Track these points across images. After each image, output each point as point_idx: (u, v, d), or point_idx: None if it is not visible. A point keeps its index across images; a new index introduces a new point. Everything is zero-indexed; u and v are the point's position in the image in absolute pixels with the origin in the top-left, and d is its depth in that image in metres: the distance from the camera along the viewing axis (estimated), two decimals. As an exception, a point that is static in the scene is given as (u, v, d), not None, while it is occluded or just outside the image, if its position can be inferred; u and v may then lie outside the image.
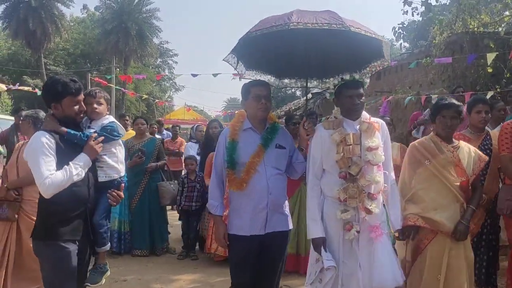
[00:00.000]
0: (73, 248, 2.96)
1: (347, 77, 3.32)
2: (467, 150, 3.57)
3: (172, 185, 6.78)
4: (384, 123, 3.45)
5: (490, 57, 7.51)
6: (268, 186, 3.27)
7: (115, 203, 3.29)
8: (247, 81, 3.65)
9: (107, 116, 3.38)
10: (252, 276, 3.34)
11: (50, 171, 2.81)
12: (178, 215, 6.95)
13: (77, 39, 40.92)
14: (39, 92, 11.77)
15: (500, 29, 10.27)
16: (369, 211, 3.17)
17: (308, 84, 4.26)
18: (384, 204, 3.36)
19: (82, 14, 45.65)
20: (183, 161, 7.68)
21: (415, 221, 3.41)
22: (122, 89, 11.28)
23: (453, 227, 3.36)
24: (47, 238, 2.94)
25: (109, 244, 3.33)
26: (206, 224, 6.45)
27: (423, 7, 10.40)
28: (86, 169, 2.99)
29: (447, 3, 11.96)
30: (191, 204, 6.57)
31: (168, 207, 9.09)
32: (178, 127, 11.19)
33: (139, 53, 39.66)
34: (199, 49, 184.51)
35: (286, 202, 3.52)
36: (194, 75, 9.57)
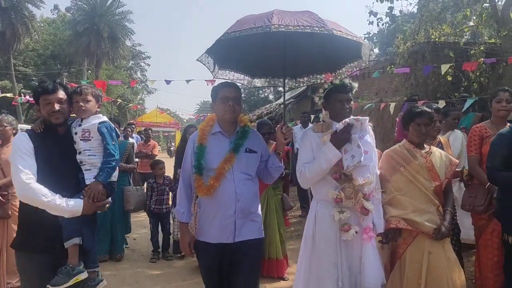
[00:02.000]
0: (44, 260, 2.80)
1: (336, 81, 3.31)
2: (439, 155, 3.63)
3: (138, 191, 6.76)
4: (370, 125, 3.47)
5: (445, 67, 7.97)
6: (236, 193, 3.14)
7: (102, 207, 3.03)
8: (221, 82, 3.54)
9: (99, 114, 3.17)
10: (222, 284, 3.24)
11: (27, 171, 2.71)
12: (149, 218, 6.90)
13: (47, 40, 40.39)
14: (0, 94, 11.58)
15: (460, 39, 10.83)
16: (367, 212, 3.19)
17: (281, 84, 4.09)
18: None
19: (53, 14, 45.18)
20: (150, 164, 7.65)
21: (397, 224, 3.40)
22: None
23: (433, 228, 3.36)
24: (17, 249, 2.87)
25: (78, 238, 2.88)
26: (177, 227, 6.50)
27: (388, 18, 10.86)
28: (67, 215, 2.80)
29: (414, 11, 12.43)
30: (161, 207, 6.69)
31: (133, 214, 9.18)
32: (150, 130, 11.25)
33: (111, 55, 39.48)
34: (172, 51, 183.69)
35: (259, 208, 3.38)
36: (167, 82, 9.64)
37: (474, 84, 9.66)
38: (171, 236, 6.78)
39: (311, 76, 4.04)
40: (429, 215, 3.43)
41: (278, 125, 3.41)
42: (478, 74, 9.54)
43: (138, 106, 26.17)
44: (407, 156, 3.55)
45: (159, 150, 11.40)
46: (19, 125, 7.28)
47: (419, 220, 3.38)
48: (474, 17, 10.71)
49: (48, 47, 39.80)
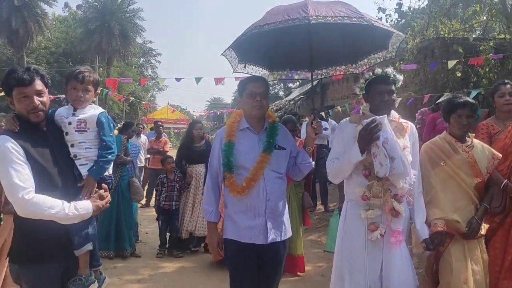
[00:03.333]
0: (55, 269, 2.55)
1: (379, 71, 3.15)
2: (481, 149, 3.45)
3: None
4: (413, 125, 3.30)
5: (451, 63, 8.00)
6: (267, 192, 3.03)
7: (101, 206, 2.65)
8: (240, 77, 3.48)
9: (94, 105, 2.88)
10: (253, 284, 3.11)
11: (24, 185, 2.32)
12: (157, 214, 6.87)
13: (59, 38, 40.70)
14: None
15: (470, 35, 10.83)
16: (397, 214, 3.02)
17: (298, 76, 4.01)
18: (409, 209, 3.20)
19: (64, 12, 45.48)
20: (161, 160, 7.62)
21: (443, 227, 3.19)
22: (110, 92, 11.22)
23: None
24: (23, 262, 2.51)
25: (90, 244, 2.68)
26: (181, 222, 6.64)
27: (397, 14, 10.91)
28: (78, 220, 2.48)
29: (424, 7, 12.44)
30: (171, 203, 6.63)
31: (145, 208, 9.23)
32: (161, 124, 11.14)
33: (122, 53, 39.68)
34: (183, 49, 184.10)
35: (286, 207, 3.27)
36: (178, 79, 9.73)
37: (484, 79, 9.68)
38: (181, 234, 6.70)
39: (330, 68, 3.87)
40: (467, 215, 3.29)
41: (308, 120, 3.27)
42: (487, 69, 9.55)
43: (150, 104, 26.35)
44: (448, 149, 3.38)
45: (170, 147, 11.51)
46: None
47: (461, 220, 3.23)
48: (484, 13, 10.68)
49: (60, 45, 40.10)
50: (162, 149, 10.28)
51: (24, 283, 2.54)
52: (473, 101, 3.44)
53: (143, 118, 32.67)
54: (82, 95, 2.75)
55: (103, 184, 2.75)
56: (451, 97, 3.59)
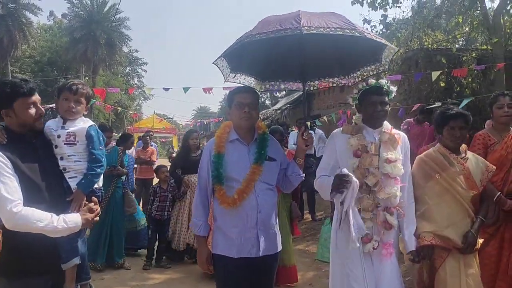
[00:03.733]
0: (43, 283, 2.53)
1: (372, 82, 3.12)
2: (475, 161, 3.39)
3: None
4: (405, 136, 3.28)
5: (435, 74, 8.16)
6: (258, 204, 2.96)
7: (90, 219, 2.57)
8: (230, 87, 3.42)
9: (84, 118, 2.91)
10: None
11: (12, 198, 2.28)
12: (148, 223, 6.79)
13: (44, 46, 40.50)
14: None
15: (453, 46, 11.06)
16: (390, 226, 3.02)
17: (290, 87, 3.96)
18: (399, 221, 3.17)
19: (49, 21, 45.30)
20: (154, 169, 7.70)
21: (431, 240, 3.15)
22: (97, 102, 11.24)
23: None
24: (11, 276, 2.48)
25: (77, 258, 2.73)
26: (173, 233, 6.55)
27: (381, 25, 11.10)
28: (66, 234, 2.43)
29: (409, 17, 12.65)
30: (163, 213, 6.54)
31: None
32: (149, 135, 11.06)
33: (107, 62, 39.61)
34: (169, 58, 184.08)
35: (277, 219, 3.21)
36: (165, 89, 9.77)
37: (467, 89, 9.89)
38: (172, 245, 6.58)
39: (322, 80, 3.81)
40: (463, 228, 3.23)
41: (299, 132, 3.19)
42: (470, 80, 9.76)
43: (138, 114, 26.22)
44: (442, 162, 3.30)
45: (157, 157, 11.46)
46: None
47: (453, 237, 3.17)
48: (466, 24, 10.92)
49: (45, 54, 39.90)
50: (149, 159, 10.24)
51: None
52: (466, 112, 3.37)
53: (129, 127, 32.52)
54: (74, 106, 2.78)
55: (93, 197, 2.71)
56: (444, 108, 3.50)
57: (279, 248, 3.17)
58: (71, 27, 38.82)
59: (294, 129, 11.06)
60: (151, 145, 11.10)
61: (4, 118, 2.51)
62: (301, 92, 12.31)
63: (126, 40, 42.14)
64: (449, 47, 11.07)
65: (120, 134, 9.54)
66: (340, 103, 15.01)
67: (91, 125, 2.85)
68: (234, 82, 3.57)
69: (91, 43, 36.98)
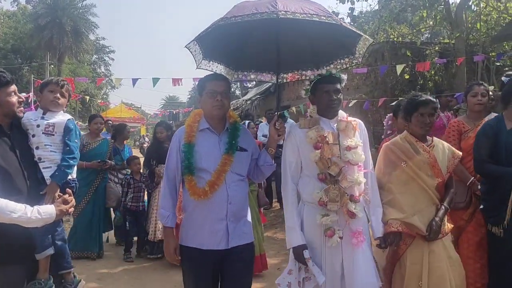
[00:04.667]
0: (18, 272, 2.58)
1: (323, 72, 3.12)
2: (441, 148, 3.39)
3: (117, 188, 6.78)
4: (361, 122, 3.25)
5: (400, 67, 8.43)
6: (228, 195, 2.91)
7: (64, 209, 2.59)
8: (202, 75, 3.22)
9: (63, 112, 3.02)
10: None
11: None
12: (124, 215, 6.69)
13: (8, 33, 39.33)
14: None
15: (417, 39, 11.40)
16: (353, 215, 2.97)
17: (263, 78, 3.82)
18: (365, 208, 3.16)
19: (12, 7, 43.96)
20: (126, 160, 7.46)
21: (397, 227, 3.13)
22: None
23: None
24: None
25: (51, 248, 2.75)
26: (150, 222, 6.48)
27: (349, 18, 11.31)
28: (41, 224, 2.44)
29: (376, 10, 12.91)
30: (138, 204, 6.53)
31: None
32: (111, 123, 10.78)
33: (74, 50, 38.87)
34: (137, 46, 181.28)
35: (248, 210, 3.18)
36: (134, 81, 9.37)
37: (429, 82, 10.24)
38: (149, 236, 6.53)
39: (295, 72, 3.69)
40: (428, 216, 3.22)
41: (271, 121, 3.15)
42: (433, 73, 10.11)
43: (106, 103, 25.82)
44: (408, 150, 3.30)
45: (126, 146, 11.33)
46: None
47: (417, 224, 3.16)
48: (431, 18, 11.26)
49: (9, 41, 38.75)
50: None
51: None
52: (435, 99, 3.40)
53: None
54: (59, 96, 2.93)
55: (67, 189, 2.72)
56: (412, 95, 3.52)
57: (252, 239, 3.12)
58: (35, 13, 37.87)
59: (262, 120, 11.16)
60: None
61: None
62: (271, 84, 12.35)
63: (93, 27, 41.42)
64: (413, 40, 11.39)
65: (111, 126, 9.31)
66: (309, 94, 15.23)
67: (69, 119, 2.98)
68: (206, 69, 3.44)
69: (57, 30, 36.18)
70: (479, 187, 3.79)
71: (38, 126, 2.84)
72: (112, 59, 51.26)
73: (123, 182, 6.72)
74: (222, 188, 2.90)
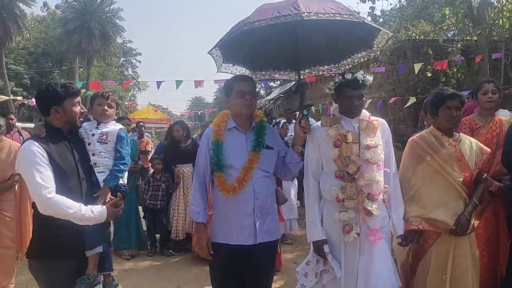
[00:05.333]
0: (68, 266, 2.75)
1: (348, 76, 3.15)
2: (468, 143, 3.39)
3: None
4: (384, 122, 3.30)
5: (417, 66, 8.44)
6: (255, 191, 3.02)
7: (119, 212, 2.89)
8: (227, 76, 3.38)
9: (115, 122, 3.26)
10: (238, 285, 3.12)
11: (46, 185, 2.57)
12: (144, 213, 7.03)
13: (38, 38, 40.37)
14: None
15: (439, 37, 11.35)
16: (369, 213, 3.02)
17: (280, 76, 3.92)
18: (386, 206, 3.22)
19: (42, 12, 45.12)
20: (149, 160, 7.88)
21: (418, 225, 3.18)
22: (92, 91, 11.41)
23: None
24: (39, 257, 2.75)
25: (100, 247, 2.90)
26: (172, 222, 6.72)
27: (369, 17, 11.34)
28: (92, 223, 2.70)
29: (399, 7, 12.89)
30: (156, 202, 6.73)
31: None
32: (143, 125, 11.18)
33: (102, 53, 39.60)
34: (163, 48, 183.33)
35: (275, 207, 3.30)
36: (158, 83, 9.67)
37: (452, 80, 10.20)
38: (171, 235, 6.76)
39: (312, 68, 3.77)
40: (455, 210, 3.22)
41: (297, 119, 3.22)
42: (455, 70, 10.07)
43: (132, 104, 26.22)
44: (434, 144, 3.31)
45: (152, 147, 11.68)
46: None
47: (442, 218, 3.17)
48: (453, 16, 11.19)
49: (39, 45, 39.79)
50: (144, 149, 10.41)
51: (40, 277, 2.78)
52: (461, 93, 3.43)
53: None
54: (107, 109, 3.18)
55: (118, 193, 3.05)
56: (438, 90, 3.53)
57: (278, 235, 3.24)
58: (65, 18, 38.73)
59: (281, 119, 11.26)
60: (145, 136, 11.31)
61: (52, 115, 2.83)
62: (293, 83, 12.46)
63: (120, 31, 42.17)
64: (436, 38, 11.34)
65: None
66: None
67: (121, 128, 3.24)
68: (227, 72, 3.55)
69: (85, 34, 36.95)
70: (495, 183, 3.78)
71: (93, 135, 3.06)
72: (139, 62, 52.19)
73: (145, 180, 7.02)
74: (249, 184, 3.02)
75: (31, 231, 2.94)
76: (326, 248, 3.09)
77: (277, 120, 9.15)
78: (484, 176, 3.72)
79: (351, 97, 3.10)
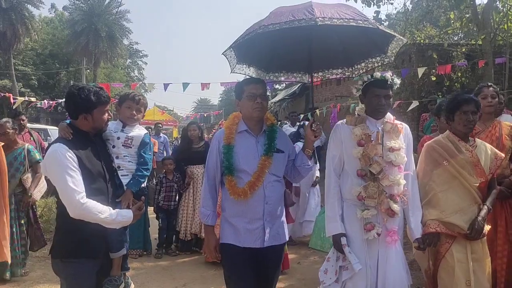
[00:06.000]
0: (92, 266, 2.78)
1: (377, 75, 3.17)
2: (484, 149, 3.39)
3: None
4: (407, 126, 3.32)
5: (421, 71, 8.51)
6: (265, 195, 3.01)
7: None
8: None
9: (140, 126, 3.23)
10: (250, 286, 3.09)
11: (78, 189, 2.59)
12: (156, 213, 7.01)
13: (46, 39, 40.63)
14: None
15: (444, 41, 11.41)
16: (393, 213, 3.07)
17: (294, 78, 3.91)
18: (403, 209, 3.23)
19: (50, 13, 45.44)
20: (161, 161, 7.83)
21: (436, 228, 3.18)
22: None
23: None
24: (65, 257, 2.76)
25: (125, 248, 2.95)
26: (181, 223, 6.75)
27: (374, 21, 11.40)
28: (119, 226, 2.75)
29: (406, 10, 12.96)
30: (170, 203, 6.75)
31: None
32: (161, 126, 12.52)
33: (109, 54, 39.81)
34: (170, 50, 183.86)
35: (284, 211, 3.27)
36: (165, 86, 9.77)
37: (456, 84, 10.26)
38: (180, 235, 6.82)
39: (326, 71, 3.79)
40: (470, 215, 3.24)
41: (308, 123, 3.22)
42: (459, 74, 10.13)
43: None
44: (451, 149, 3.32)
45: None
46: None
47: (459, 223, 3.19)
48: (458, 20, 11.24)
49: (47, 47, 40.06)
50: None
51: (63, 277, 2.80)
52: (476, 98, 3.45)
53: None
54: (135, 113, 3.19)
55: (142, 197, 3.07)
56: (454, 94, 3.52)
57: (286, 238, 3.23)
58: (72, 20, 38.97)
59: (286, 122, 11.38)
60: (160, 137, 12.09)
61: (80, 120, 2.78)
62: (299, 85, 12.60)
63: (127, 33, 42.39)
64: (441, 42, 11.40)
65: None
66: (337, 96, 15.39)
67: (146, 133, 3.27)
68: (240, 73, 3.55)
69: (92, 36, 37.17)
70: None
71: (118, 138, 3.14)
72: (145, 63, 52.42)
73: (157, 180, 6.99)
74: (260, 188, 2.99)
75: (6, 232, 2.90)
76: (343, 240, 3.11)
77: (280, 122, 9.22)
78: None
79: (378, 96, 3.12)
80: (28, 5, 34.76)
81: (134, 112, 3.15)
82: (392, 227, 3.10)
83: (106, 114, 2.85)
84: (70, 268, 2.74)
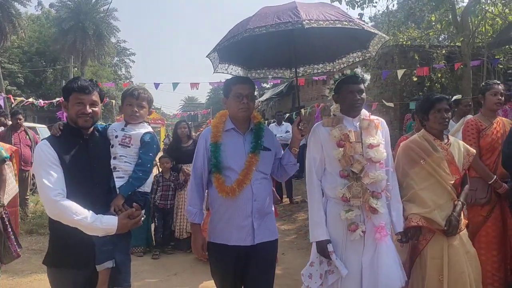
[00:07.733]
0: (74, 277, 2.62)
1: (348, 72, 3.17)
2: (457, 146, 3.48)
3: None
4: (383, 121, 3.32)
5: (400, 72, 8.84)
6: (253, 192, 3.03)
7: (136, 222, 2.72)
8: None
9: (144, 124, 2.96)
10: (236, 285, 3.13)
11: (54, 187, 2.46)
12: (153, 212, 6.91)
13: (32, 37, 40.38)
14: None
15: (426, 43, 11.74)
16: (375, 211, 3.05)
17: (276, 74, 3.92)
18: (387, 204, 3.23)
19: (37, 11, 45.15)
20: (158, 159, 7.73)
21: (417, 221, 3.23)
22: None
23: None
24: (53, 265, 2.67)
25: (111, 261, 2.68)
26: (175, 222, 6.77)
27: (359, 23, 11.67)
28: (101, 234, 2.55)
29: (391, 10, 13.23)
30: (166, 202, 6.75)
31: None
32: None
33: (96, 53, 39.76)
34: (157, 48, 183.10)
35: (273, 208, 3.28)
36: (156, 84, 9.92)
37: (437, 84, 10.61)
38: (175, 234, 6.83)
39: (307, 66, 3.80)
40: (447, 211, 3.32)
41: (295, 122, 3.23)
42: (439, 75, 10.49)
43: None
44: (427, 147, 3.39)
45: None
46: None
47: (438, 220, 3.26)
48: (439, 22, 11.58)
49: (33, 44, 39.80)
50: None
51: (52, 285, 2.69)
52: (447, 96, 3.52)
53: (118, 117, 32.87)
54: (137, 110, 2.88)
55: (134, 204, 2.74)
56: (426, 95, 3.60)
57: (276, 236, 3.23)
58: (59, 17, 38.85)
59: (273, 121, 11.69)
60: None
61: (67, 113, 2.68)
62: (286, 84, 12.91)
63: (115, 31, 42.38)
64: (422, 43, 11.74)
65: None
66: (322, 95, 15.67)
67: (147, 132, 2.89)
68: (223, 72, 3.52)
69: (80, 34, 37.12)
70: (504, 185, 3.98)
71: (116, 137, 2.84)
72: (133, 61, 52.44)
73: (153, 180, 6.70)
74: (248, 186, 3.01)
75: None
76: (330, 248, 3.08)
77: (267, 121, 9.54)
78: (494, 178, 3.96)
79: (352, 91, 3.11)
80: (15, 3, 34.54)
81: (136, 108, 2.87)
82: (379, 223, 3.08)
83: (81, 106, 2.61)
84: (51, 276, 2.68)
